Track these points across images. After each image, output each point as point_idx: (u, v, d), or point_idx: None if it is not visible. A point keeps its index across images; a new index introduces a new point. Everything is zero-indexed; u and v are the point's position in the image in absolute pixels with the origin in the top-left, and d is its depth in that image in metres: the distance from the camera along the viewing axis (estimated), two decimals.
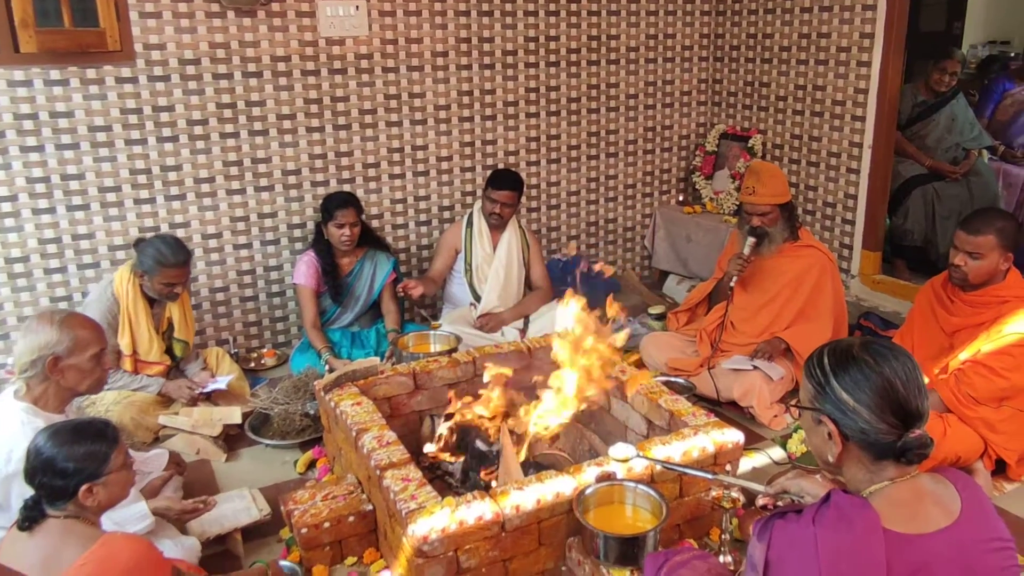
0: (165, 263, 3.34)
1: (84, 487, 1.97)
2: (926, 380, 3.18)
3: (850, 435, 1.54)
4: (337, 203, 3.94)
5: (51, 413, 2.40)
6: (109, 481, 2.03)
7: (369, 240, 4.13)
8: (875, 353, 1.55)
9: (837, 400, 1.54)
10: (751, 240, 3.66)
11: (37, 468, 1.97)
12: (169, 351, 3.61)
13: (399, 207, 4.58)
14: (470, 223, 4.25)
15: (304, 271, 3.98)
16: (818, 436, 1.61)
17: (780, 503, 2.03)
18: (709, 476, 2.36)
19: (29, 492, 2.00)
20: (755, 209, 3.65)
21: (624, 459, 2.41)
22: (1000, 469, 3.02)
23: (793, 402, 1.68)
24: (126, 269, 3.46)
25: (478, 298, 4.25)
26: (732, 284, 3.69)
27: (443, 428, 2.78)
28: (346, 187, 4.36)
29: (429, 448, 2.77)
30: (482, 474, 2.68)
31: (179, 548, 2.44)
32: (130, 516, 2.38)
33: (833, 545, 1.46)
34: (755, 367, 3.53)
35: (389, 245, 4.36)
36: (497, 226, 4.21)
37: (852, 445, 1.55)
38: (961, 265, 2.98)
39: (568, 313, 2.64)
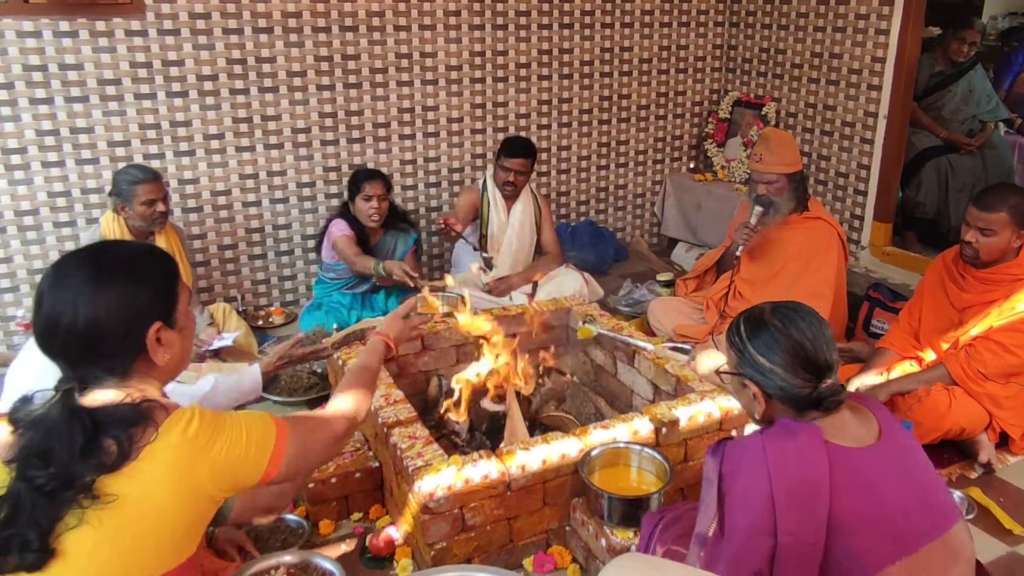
0: (137, 180, 3.39)
1: None
2: (927, 353, 3.18)
3: (771, 393, 1.71)
4: (366, 175, 3.87)
5: None
6: None
7: (394, 215, 4.04)
8: (782, 316, 1.71)
9: (755, 363, 1.70)
10: (758, 209, 3.63)
11: None
12: None
13: (408, 168, 4.56)
14: (484, 189, 4.20)
15: (342, 226, 3.87)
16: (745, 397, 1.79)
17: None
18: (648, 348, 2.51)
19: None
20: (761, 177, 3.62)
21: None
22: (1004, 442, 3.03)
23: (721, 369, 1.84)
24: (109, 212, 3.51)
25: (491, 266, 4.21)
26: (738, 254, 3.67)
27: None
28: (355, 147, 4.34)
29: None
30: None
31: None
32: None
33: (779, 449, 1.61)
34: None
35: (413, 222, 4.30)
36: (511, 195, 4.17)
37: (775, 402, 1.72)
38: (972, 242, 2.95)
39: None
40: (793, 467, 1.57)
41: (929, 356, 3.19)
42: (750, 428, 3.06)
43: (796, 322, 1.68)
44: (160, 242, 3.58)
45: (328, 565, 2.17)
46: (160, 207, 3.45)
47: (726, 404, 2.60)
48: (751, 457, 1.62)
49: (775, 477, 1.57)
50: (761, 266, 3.76)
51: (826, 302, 3.59)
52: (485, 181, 4.20)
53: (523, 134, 4.74)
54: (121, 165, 3.88)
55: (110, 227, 3.47)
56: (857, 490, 1.58)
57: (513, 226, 4.17)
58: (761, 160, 3.60)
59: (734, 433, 2.33)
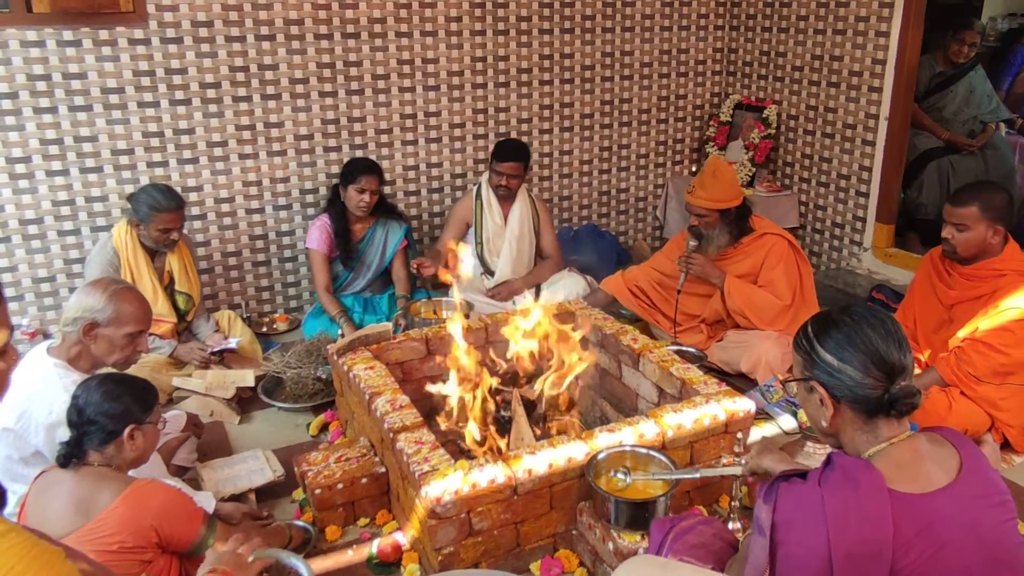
0: (159, 208, 3.39)
1: (131, 427, 2.05)
2: (926, 355, 3.17)
3: (840, 396, 1.60)
4: (362, 168, 3.93)
5: (84, 374, 2.43)
6: (147, 431, 2.12)
7: (383, 208, 4.12)
8: (853, 314, 1.62)
9: (824, 363, 1.60)
10: (692, 243, 3.63)
11: (89, 404, 2.05)
12: (175, 307, 3.64)
13: (411, 174, 4.57)
14: (479, 196, 4.21)
15: (317, 236, 3.98)
16: (812, 404, 1.68)
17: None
18: (696, 475, 2.34)
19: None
20: (691, 208, 3.62)
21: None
22: (1009, 442, 3.02)
23: (784, 376, 1.72)
24: (123, 222, 3.52)
25: (490, 272, 4.23)
26: (680, 289, 3.68)
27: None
28: (359, 153, 4.34)
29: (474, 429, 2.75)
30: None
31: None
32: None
33: (840, 505, 1.49)
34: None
35: (403, 213, 4.34)
36: (505, 197, 4.18)
37: (844, 406, 1.61)
38: (949, 238, 2.98)
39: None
40: (855, 526, 1.46)
41: (927, 356, 3.20)
42: (756, 432, 3.06)
43: (867, 318, 1.60)
44: (171, 256, 3.58)
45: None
46: (174, 236, 3.47)
47: (731, 407, 2.61)
48: (808, 510, 1.51)
49: (834, 537, 1.46)
50: (716, 293, 3.71)
51: (786, 311, 3.55)
52: (479, 187, 4.20)
53: (525, 139, 4.75)
54: (125, 173, 3.91)
55: (122, 238, 3.47)
56: (921, 546, 1.47)
57: (511, 230, 4.18)
58: (692, 192, 3.59)
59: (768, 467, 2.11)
